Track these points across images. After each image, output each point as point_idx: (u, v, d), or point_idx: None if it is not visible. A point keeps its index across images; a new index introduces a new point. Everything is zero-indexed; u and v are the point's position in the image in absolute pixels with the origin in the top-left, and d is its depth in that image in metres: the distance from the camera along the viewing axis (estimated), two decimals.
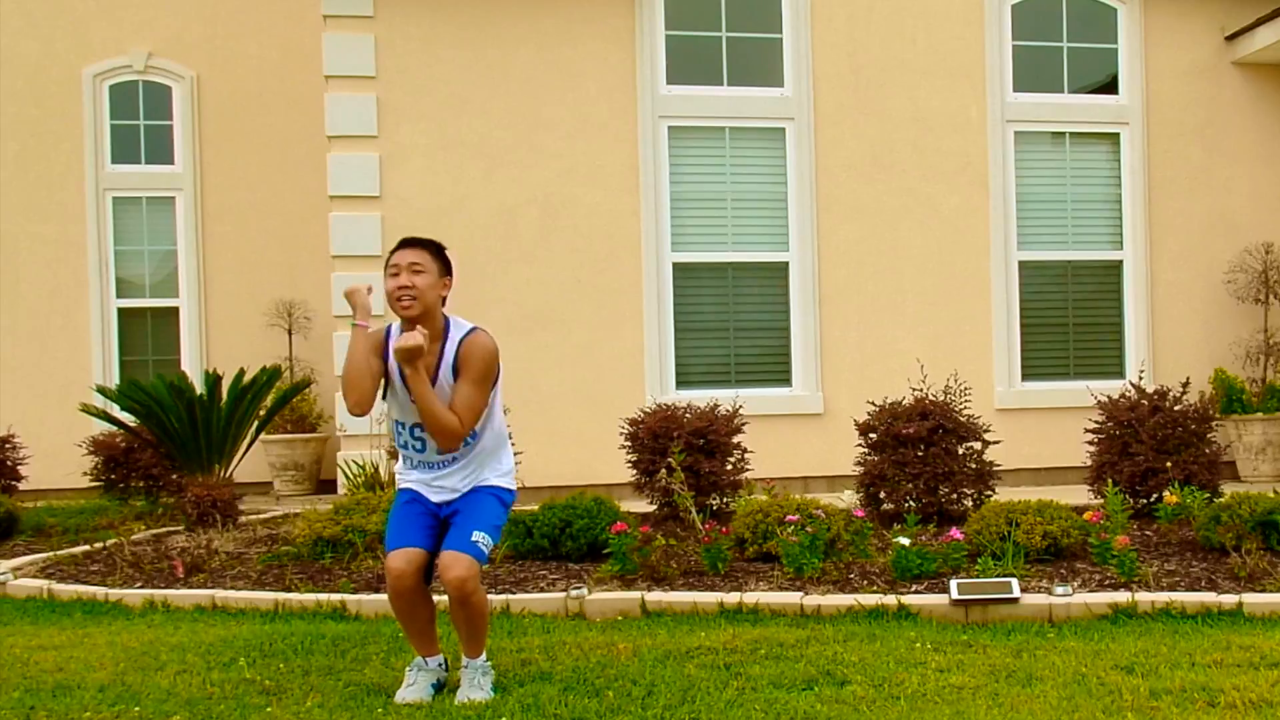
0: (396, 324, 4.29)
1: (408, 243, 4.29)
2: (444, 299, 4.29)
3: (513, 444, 7.80)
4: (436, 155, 9.74)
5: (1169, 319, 10.59)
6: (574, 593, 5.72)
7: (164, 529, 8.12)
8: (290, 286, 11.55)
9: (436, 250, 4.30)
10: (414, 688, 4.30)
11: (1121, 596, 5.44)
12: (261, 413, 8.55)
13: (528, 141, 9.80)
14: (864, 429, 7.73)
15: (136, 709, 4.12)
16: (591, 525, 6.48)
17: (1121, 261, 10.60)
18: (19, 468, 9.61)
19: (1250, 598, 5.42)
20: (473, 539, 4.20)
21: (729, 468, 7.74)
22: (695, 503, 7.12)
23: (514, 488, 4.51)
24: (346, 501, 7.21)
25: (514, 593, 5.92)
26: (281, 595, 6.04)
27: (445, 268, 4.30)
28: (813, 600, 5.57)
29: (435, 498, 4.37)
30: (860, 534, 6.41)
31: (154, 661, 4.81)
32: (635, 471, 7.86)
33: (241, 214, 11.71)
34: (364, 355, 4.16)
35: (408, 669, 4.40)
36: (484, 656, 4.38)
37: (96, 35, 11.64)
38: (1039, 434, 10.06)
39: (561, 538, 6.52)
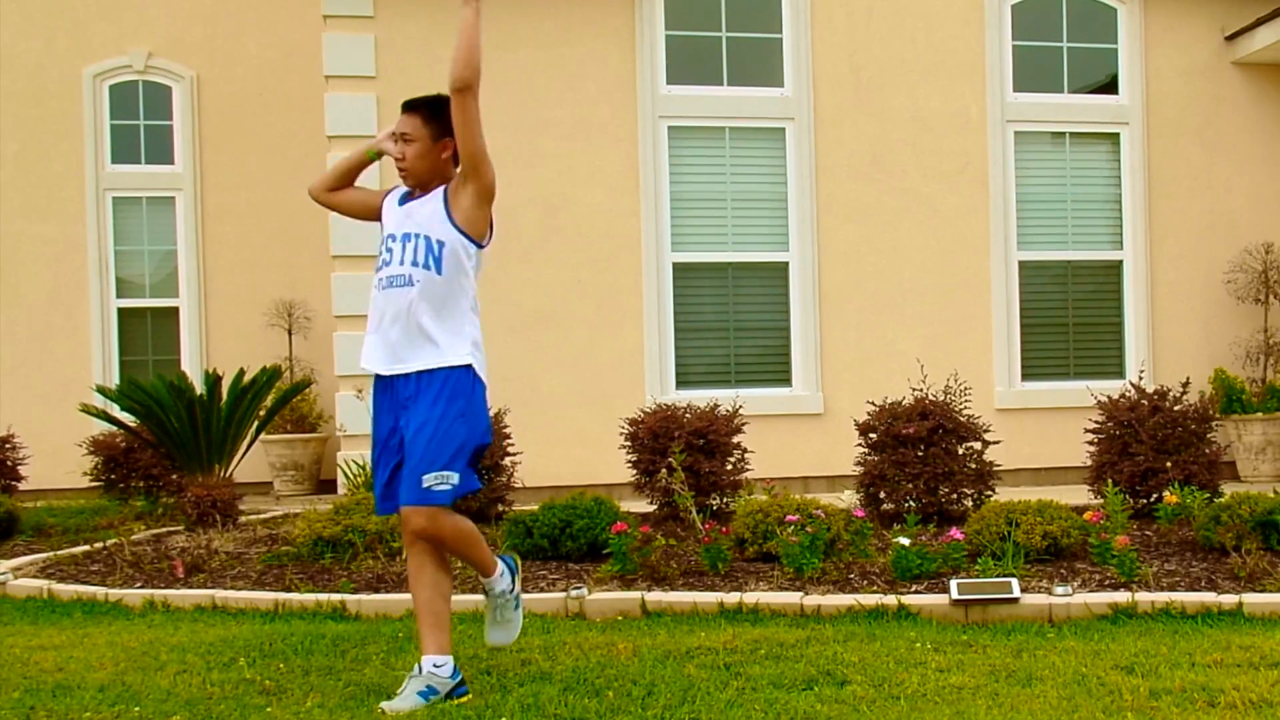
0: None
1: (405, 106, 4.13)
2: (455, 158, 4.05)
3: (512, 444, 7.92)
4: None
5: (1169, 319, 10.59)
6: (574, 593, 5.72)
7: (164, 529, 8.11)
8: (290, 286, 11.55)
9: (432, 112, 4.03)
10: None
11: (1121, 596, 5.44)
12: (261, 413, 8.55)
13: (527, 141, 9.80)
14: (864, 429, 7.73)
15: (136, 709, 4.11)
16: (591, 525, 6.47)
17: (1121, 261, 10.60)
18: (19, 468, 9.60)
19: (1250, 598, 5.41)
20: (424, 485, 3.87)
21: (729, 468, 7.73)
22: (695, 503, 7.11)
23: (471, 363, 4.06)
24: (346, 501, 7.20)
25: None
26: (281, 595, 6.03)
27: (442, 129, 4.01)
28: (813, 600, 5.57)
29: (387, 368, 4.00)
30: (860, 534, 6.41)
31: (154, 661, 4.80)
32: (635, 471, 7.86)
33: (241, 214, 11.71)
34: (354, 170, 4.27)
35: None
36: (498, 571, 4.22)
37: (96, 35, 11.64)
38: (1039, 434, 10.06)
39: (561, 538, 6.52)
